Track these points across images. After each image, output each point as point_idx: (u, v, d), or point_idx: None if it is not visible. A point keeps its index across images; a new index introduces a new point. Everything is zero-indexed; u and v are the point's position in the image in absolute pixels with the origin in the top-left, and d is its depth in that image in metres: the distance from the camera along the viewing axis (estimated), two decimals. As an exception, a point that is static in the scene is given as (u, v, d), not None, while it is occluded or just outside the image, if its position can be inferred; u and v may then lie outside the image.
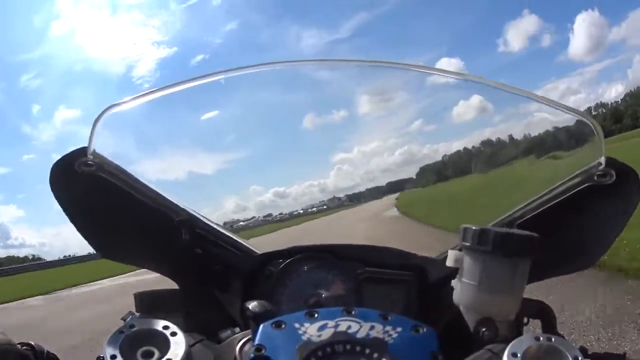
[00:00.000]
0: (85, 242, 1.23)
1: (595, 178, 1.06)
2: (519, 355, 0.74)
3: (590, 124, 1.08)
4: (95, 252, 1.30)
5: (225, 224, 1.62)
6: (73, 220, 1.22)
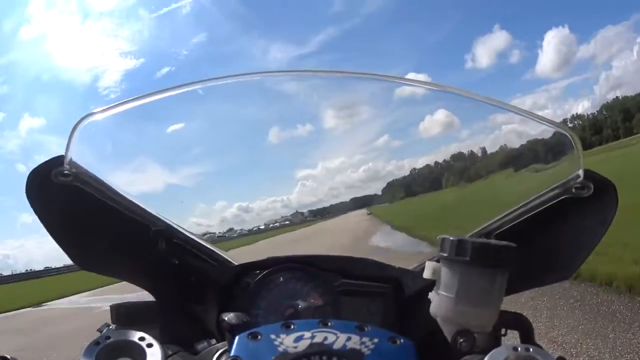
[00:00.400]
0: (50, 256, 1.21)
1: (574, 190, 1.07)
2: None
3: (569, 136, 1.09)
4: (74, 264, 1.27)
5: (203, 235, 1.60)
6: (50, 231, 1.20)
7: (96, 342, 0.82)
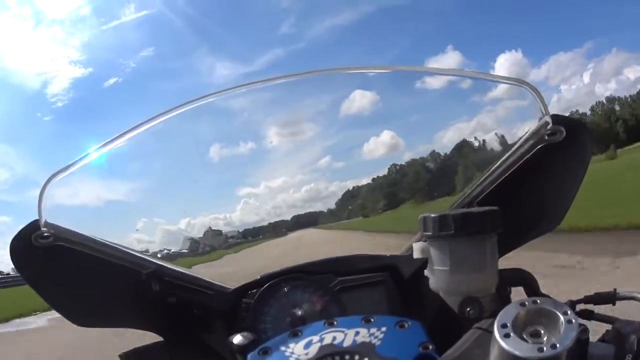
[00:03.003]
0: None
1: (546, 138, 1.07)
2: (508, 324, 0.74)
3: (528, 88, 1.09)
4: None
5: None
6: (43, 295, 1.17)
7: None
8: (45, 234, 1.12)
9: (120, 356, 1.19)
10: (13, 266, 1.15)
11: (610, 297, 1.05)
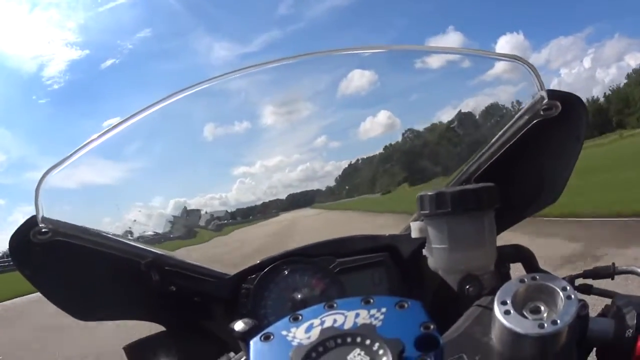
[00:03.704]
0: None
1: (542, 113, 1.07)
2: (508, 301, 0.74)
3: (522, 64, 1.09)
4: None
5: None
6: (44, 291, 1.18)
7: None
8: (44, 230, 1.12)
9: (124, 348, 1.20)
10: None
11: (609, 272, 1.06)
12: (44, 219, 1.12)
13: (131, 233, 1.47)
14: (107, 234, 1.24)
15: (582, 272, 1.07)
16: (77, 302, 1.23)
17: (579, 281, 1.06)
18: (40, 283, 1.17)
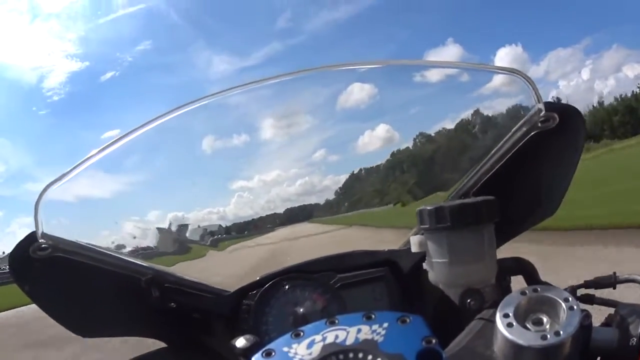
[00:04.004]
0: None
1: (539, 125, 1.07)
2: (510, 314, 0.74)
3: (520, 76, 1.09)
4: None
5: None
6: (43, 307, 1.17)
7: None
8: (43, 246, 1.11)
9: None
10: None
11: (610, 281, 1.05)
12: (44, 235, 1.11)
13: (128, 247, 1.47)
14: (106, 250, 1.24)
15: (583, 282, 1.06)
16: (76, 318, 1.22)
17: (580, 291, 1.06)
18: (40, 298, 1.16)
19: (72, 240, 1.17)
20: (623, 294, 0.97)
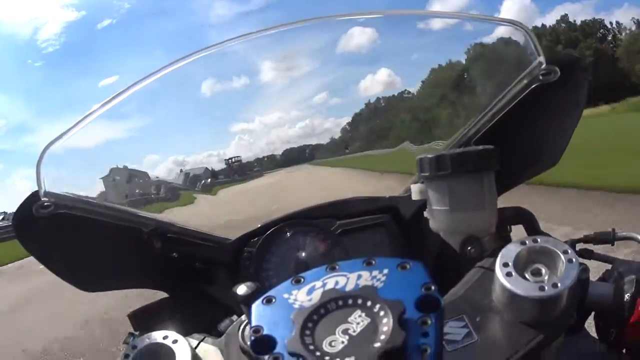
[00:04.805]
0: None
1: (541, 77, 1.06)
2: (510, 264, 0.75)
3: (520, 29, 1.08)
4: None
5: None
6: (48, 265, 1.18)
7: (125, 355, 0.84)
8: (46, 204, 1.11)
9: (129, 316, 1.21)
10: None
11: (609, 237, 1.06)
12: (46, 193, 1.12)
13: (130, 197, 1.48)
14: (109, 203, 1.25)
15: (582, 237, 1.07)
16: (80, 274, 1.24)
17: (579, 246, 1.07)
18: (44, 256, 1.17)
19: (74, 195, 1.18)
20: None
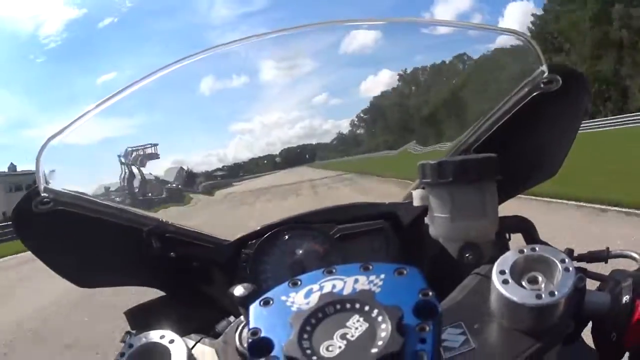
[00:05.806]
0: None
1: (542, 86, 1.06)
2: (507, 271, 0.75)
3: (523, 38, 1.09)
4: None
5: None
6: (46, 261, 1.18)
7: (121, 354, 0.83)
8: (46, 200, 1.11)
9: (125, 313, 1.21)
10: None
11: (602, 255, 1.06)
12: (46, 189, 1.12)
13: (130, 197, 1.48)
14: (108, 201, 1.25)
15: (576, 255, 1.07)
16: (78, 270, 1.24)
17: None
18: (42, 252, 1.18)
19: (74, 192, 1.18)
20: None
